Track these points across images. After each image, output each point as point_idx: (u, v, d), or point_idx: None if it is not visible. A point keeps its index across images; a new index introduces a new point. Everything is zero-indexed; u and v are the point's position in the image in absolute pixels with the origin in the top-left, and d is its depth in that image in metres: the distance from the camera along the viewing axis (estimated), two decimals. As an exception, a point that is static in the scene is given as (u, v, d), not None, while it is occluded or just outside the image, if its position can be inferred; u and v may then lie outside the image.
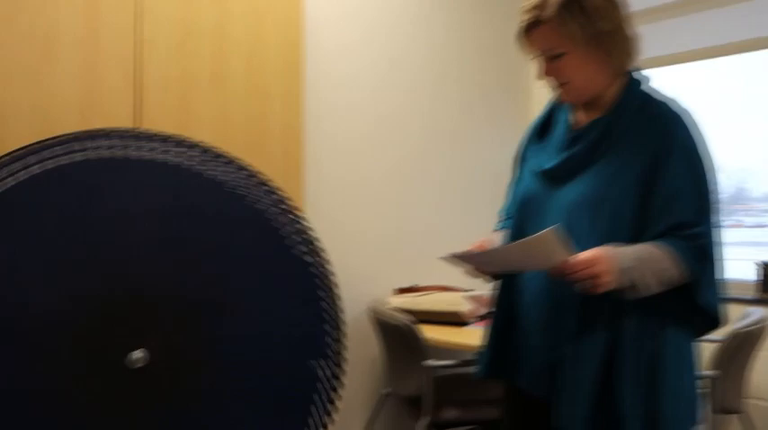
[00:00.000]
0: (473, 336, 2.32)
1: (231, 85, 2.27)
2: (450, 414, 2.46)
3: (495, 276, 1.53)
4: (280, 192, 2.02)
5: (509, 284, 1.52)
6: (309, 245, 2.08)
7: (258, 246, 2.01)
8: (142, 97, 2.14)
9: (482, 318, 2.63)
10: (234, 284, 1.96)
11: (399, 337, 2.46)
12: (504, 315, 1.53)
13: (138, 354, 1.77)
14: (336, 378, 2.10)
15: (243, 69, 2.30)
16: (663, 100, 1.43)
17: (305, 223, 2.06)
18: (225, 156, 1.96)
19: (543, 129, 1.56)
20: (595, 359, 1.36)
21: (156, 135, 1.88)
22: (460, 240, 3.25)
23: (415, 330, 2.38)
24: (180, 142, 1.90)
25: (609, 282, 1.28)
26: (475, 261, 1.43)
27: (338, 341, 2.14)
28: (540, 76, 1.45)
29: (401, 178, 3.11)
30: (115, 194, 1.79)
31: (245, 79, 2.30)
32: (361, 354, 2.89)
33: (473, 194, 3.34)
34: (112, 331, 1.77)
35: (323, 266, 2.08)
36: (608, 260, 1.28)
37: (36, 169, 1.72)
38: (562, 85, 1.43)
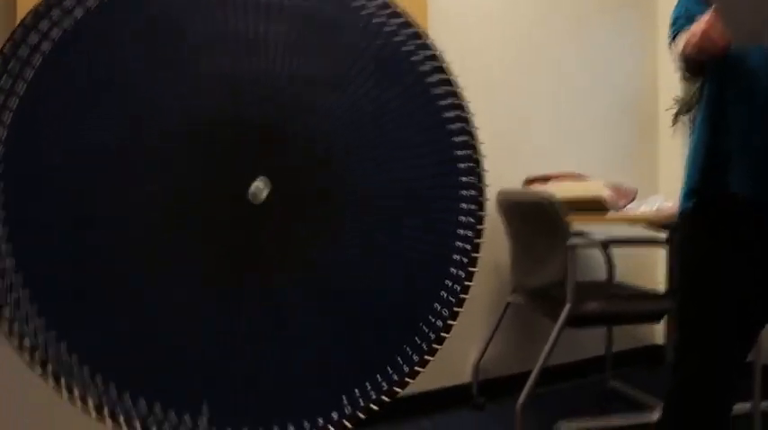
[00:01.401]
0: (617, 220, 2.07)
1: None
2: (590, 307, 2.18)
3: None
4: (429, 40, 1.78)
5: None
6: (458, 109, 1.83)
7: (404, 98, 1.78)
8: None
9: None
10: (370, 131, 1.73)
11: (538, 218, 2.19)
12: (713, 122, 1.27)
13: (260, 185, 1.57)
14: (472, 257, 1.86)
15: None
16: None
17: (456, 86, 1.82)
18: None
19: None
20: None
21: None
22: (583, 134, 2.99)
23: (557, 206, 2.10)
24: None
25: None
26: None
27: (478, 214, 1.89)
28: None
29: (526, 68, 2.84)
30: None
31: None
32: (485, 259, 2.64)
33: (599, 97, 3.05)
34: (237, 159, 1.57)
35: (474, 140, 1.84)
36: None
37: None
38: None
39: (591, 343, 3.04)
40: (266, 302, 1.63)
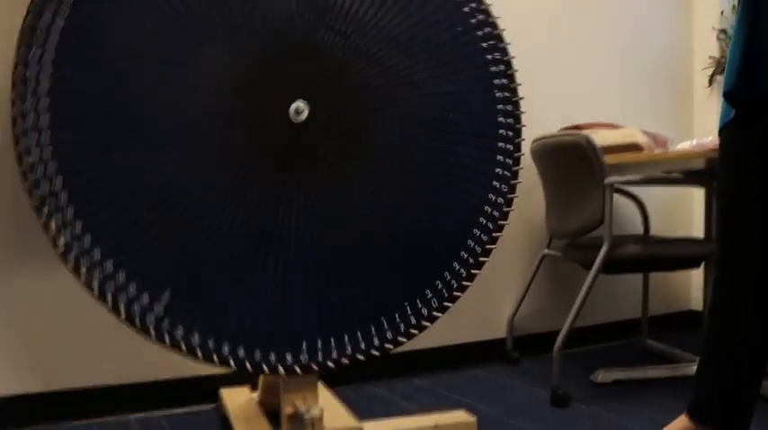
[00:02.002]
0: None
1: None
2: (627, 250, 2.16)
3: None
4: None
5: None
6: (496, 52, 1.84)
7: (449, 35, 1.79)
8: None
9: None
10: (413, 57, 1.75)
11: (574, 159, 2.18)
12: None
13: (300, 104, 1.59)
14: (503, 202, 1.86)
15: None
16: None
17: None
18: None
19: None
20: None
21: None
22: (617, 93, 2.97)
23: (594, 144, 2.10)
24: None
25: None
26: None
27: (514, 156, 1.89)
28: None
29: (566, 21, 2.83)
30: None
31: None
32: (520, 214, 2.64)
33: (633, 56, 3.04)
34: (274, 83, 1.60)
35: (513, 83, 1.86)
36: None
37: None
38: None
39: (626, 306, 3.02)
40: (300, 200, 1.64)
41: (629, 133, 2.35)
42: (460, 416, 1.89)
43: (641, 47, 3.11)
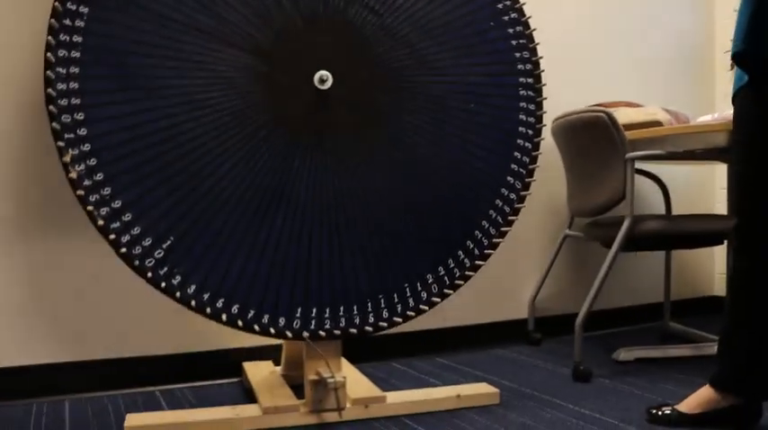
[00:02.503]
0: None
1: None
2: (649, 225, 2.15)
3: None
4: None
5: None
6: (519, 38, 1.86)
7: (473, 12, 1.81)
8: None
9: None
10: (438, 35, 1.76)
11: (595, 135, 2.18)
12: None
13: (325, 73, 1.61)
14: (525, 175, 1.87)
15: None
16: None
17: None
18: None
19: None
20: None
21: None
22: (639, 67, 2.96)
23: (615, 119, 2.10)
24: None
25: None
26: None
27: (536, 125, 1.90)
28: None
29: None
30: None
31: None
32: (541, 194, 2.64)
33: (654, 39, 3.03)
34: (302, 52, 1.62)
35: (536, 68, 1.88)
36: None
37: None
38: None
39: (649, 290, 3.01)
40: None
41: (651, 111, 2.35)
42: (484, 387, 1.90)
43: (662, 30, 3.10)
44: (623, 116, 2.34)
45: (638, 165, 2.49)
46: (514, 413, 1.77)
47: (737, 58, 1.48)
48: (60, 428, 1.66)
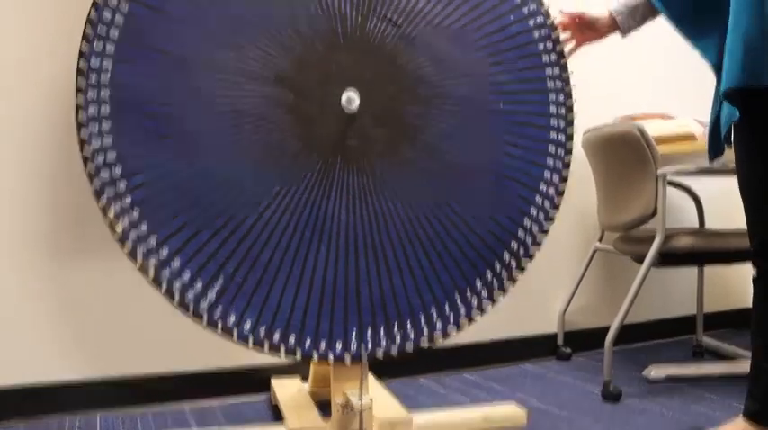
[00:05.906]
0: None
1: None
2: (681, 241, 2.12)
3: None
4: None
5: None
6: (552, 44, 1.83)
7: (498, 21, 1.79)
8: None
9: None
10: (463, 43, 1.75)
11: (626, 150, 2.15)
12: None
13: (351, 94, 1.60)
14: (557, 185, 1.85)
15: None
16: None
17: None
18: None
19: None
20: None
21: None
22: (668, 74, 2.92)
23: (646, 134, 2.06)
24: None
25: None
26: None
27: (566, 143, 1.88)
28: None
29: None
30: None
31: None
32: (572, 207, 2.61)
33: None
34: (324, 74, 1.61)
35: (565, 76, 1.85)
36: None
37: None
38: None
39: (681, 303, 2.96)
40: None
41: (684, 123, 2.31)
42: (511, 408, 1.88)
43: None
44: (655, 129, 2.31)
45: (671, 177, 2.45)
46: (542, 436, 1.76)
47: (732, 95, 1.45)
48: (91, 446, 1.68)
